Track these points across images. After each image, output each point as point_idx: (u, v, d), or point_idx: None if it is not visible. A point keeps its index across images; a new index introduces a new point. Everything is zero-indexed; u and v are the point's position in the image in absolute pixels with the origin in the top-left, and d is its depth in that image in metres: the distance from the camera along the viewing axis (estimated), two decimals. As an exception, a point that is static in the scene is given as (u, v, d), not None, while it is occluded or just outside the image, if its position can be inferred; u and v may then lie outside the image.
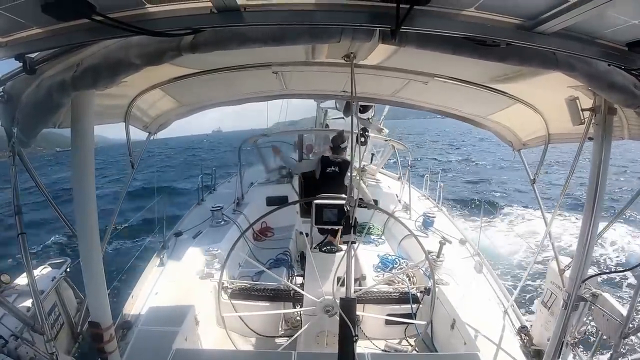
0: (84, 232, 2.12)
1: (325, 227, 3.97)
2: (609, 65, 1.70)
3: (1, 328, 2.23)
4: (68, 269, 3.29)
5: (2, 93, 1.98)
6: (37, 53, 1.64)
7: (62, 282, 3.19)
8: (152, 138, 3.80)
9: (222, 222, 6.05)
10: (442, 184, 8.09)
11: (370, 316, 4.29)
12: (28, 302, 2.62)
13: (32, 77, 1.78)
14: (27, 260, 2.17)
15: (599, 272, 2.72)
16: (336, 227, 4.06)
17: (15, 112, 1.98)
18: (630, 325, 2.38)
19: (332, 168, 5.55)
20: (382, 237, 6.76)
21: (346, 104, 6.66)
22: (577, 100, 2.38)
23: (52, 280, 3.07)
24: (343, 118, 8.38)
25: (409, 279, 4.71)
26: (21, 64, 1.59)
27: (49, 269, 3.23)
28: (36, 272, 3.01)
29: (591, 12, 1.28)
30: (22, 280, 2.90)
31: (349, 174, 5.41)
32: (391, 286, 4.57)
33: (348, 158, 5.56)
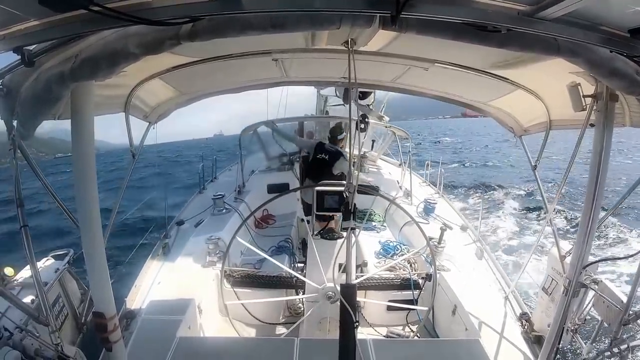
0: (86, 223, 2.12)
1: (322, 214, 3.99)
2: (611, 51, 1.68)
3: (6, 320, 2.25)
4: (71, 260, 3.30)
5: (1, 86, 1.97)
6: (35, 45, 1.62)
7: (66, 273, 3.21)
8: (152, 128, 3.78)
9: (224, 211, 6.06)
10: (442, 170, 8.08)
11: (372, 302, 4.32)
12: (32, 294, 2.65)
13: (31, 70, 1.76)
14: (30, 253, 2.18)
15: (600, 259, 2.72)
16: (331, 214, 4.09)
17: (15, 105, 1.98)
18: (631, 312, 2.39)
19: (322, 155, 5.58)
20: (384, 223, 6.78)
21: (345, 90, 6.65)
22: (579, 87, 2.36)
23: (56, 271, 3.10)
24: (343, 105, 8.35)
25: (410, 265, 4.74)
26: (19, 56, 1.58)
27: (52, 260, 3.25)
28: (39, 264, 3.02)
29: None
30: (25, 272, 2.92)
31: (338, 164, 5.46)
32: (392, 272, 4.59)
33: (342, 150, 5.62)
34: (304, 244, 5.95)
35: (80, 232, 2.14)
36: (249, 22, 1.52)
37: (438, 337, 4.20)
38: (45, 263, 3.19)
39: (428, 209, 6.14)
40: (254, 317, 4.38)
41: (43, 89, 1.77)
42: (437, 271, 4.06)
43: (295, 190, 6.51)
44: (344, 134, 5.72)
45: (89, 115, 2.02)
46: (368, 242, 5.76)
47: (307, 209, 5.76)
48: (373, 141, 9.37)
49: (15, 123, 2.08)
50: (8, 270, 2.82)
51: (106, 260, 2.24)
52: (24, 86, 1.90)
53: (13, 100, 1.97)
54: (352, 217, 2.84)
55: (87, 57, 1.64)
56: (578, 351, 2.98)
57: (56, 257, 3.29)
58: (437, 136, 72.81)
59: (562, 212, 13.16)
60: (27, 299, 2.59)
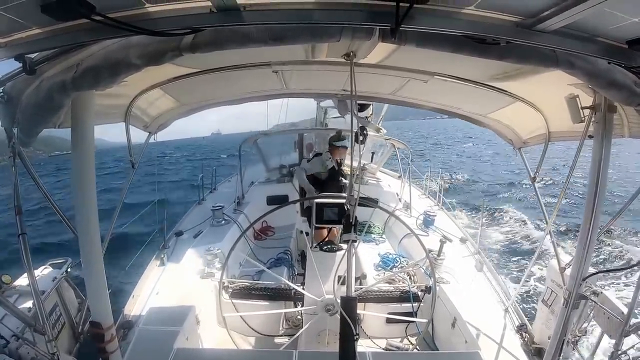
0: (84, 232, 2.12)
1: (321, 226, 3.99)
2: (609, 63, 1.69)
3: (2, 328, 2.24)
4: (69, 269, 3.29)
5: (2, 93, 1.98)
6: (37, 53, 1.63)
7: (63, 282, 3.19)
8: (152, 138, 3.79)
9: (223, 222, 6.05)
10: (442, 183, 8.08)
11: (371, 315, 4.29)
12: (29, 303, 2.63)
13: (32, 78, 1.78)
14: (28, 261, 2.17)
15: (600, 270, 2.71)
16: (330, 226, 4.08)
17: (16, 113, 1.98)
18: (631, 324, 2.38)
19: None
20: (383, 235, 6.76)
21: (341, 102, 6.68)
22: (577, 98, 2.38)
23: (53, 280, 3.08)
24: (343, 117, 8.39)
25: (410, 278, 4.72)
26: (21, 64, 1.59)
27: (50, 269, 3.24)
28: (37, 273, 3.01)
29: (591, 9, 1.28)
30: (23, 280, 2.91)
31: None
32: (392, 285, 4.57)
33: (319, 157, 5.78)
34: (303, 256, 5.94)
35: (78, 241, 2.13)
36: (249, 35, 1.54)
37: (437, 349, 4.16)
38: (43, 271, 3.17)
39: (427, 221, 6.13)
40: (252, 329, 4.35)
41: (44, 97, 1.78)
42: (437, 283, 4.04)
43: (294, 202, 6.51)
44: (343, 141, 5.75)
45: (89, 124, 2.03)
46: (367, 254, 5.74)
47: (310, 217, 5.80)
48: (373, 153, 9.38)
49: (15, 130, 2.09)
50: (5, 278, 2.80)
51: (104, 270, 2.24)
52: (25, 94, 1.91)
53: (14, 107, 1.97)
54: (352, 230, 2.84)
55: (89, 66, 1.65)
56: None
57: (54, 266, 3.27)
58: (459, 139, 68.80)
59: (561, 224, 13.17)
60: (24, 307, 2.57)
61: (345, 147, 5.73)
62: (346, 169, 6.27)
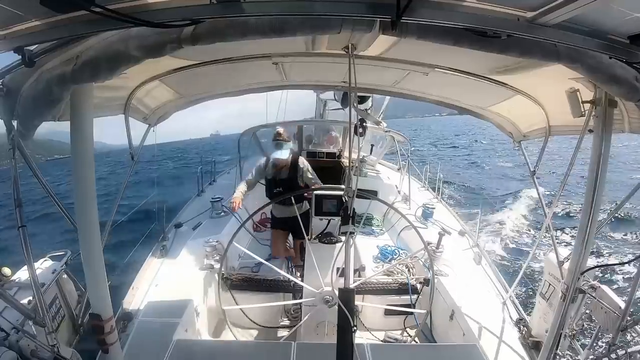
0: (84, 225, 2.12)
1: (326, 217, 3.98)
2: (610, 58, 1.69)
3: (2, 321, 2.24)
4: (69, 262, 3.30)
5: (1, 86, 1.97)
6: (36, 46, 1.62)
7: (63, 274, 3.19)
8: (152, 130, 3.79)
9: (222, 214, 6.06)
10: (441, 175, 8.09)
11: (370, 307, 4.31)
12: (29, 295, 2.64)
13: (31, 70, 1.76)
14: (28, 253, 2.17)
15: (598, 265, 2.72)
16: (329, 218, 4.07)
17: (15, 105, 1.97)
18: (628, 318, 2.39)
19: (279, 189, 5.23)
20: (382, 228, 6.77)
21: (343, 95, 6.61)
22: (578, 93, 2.37)
23: (53, 272, 3.08)
24: (342, 109, 8.36)
25: (408, 270, 4.73)
26: (20, 56, 1.58)
27: (50, 261, 3.24)
28: (37, 265, 3.01)
29: (593, 4, 1.27)
30: (23, 273, 2.91)
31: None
32: (390, 277, 4.59)
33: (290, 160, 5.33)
34: (302, 248, 5.96)
35: (78, 234, 2.14)
36: (249, 26, 1.53)
37: (435, 342, 4.19)
38: (43, 264, 3.18)
39: (426, 214, 6.14)
40: (251, 320, 4.37)
41: (43, 90, 1.77)
42: (435, 276, 4.05)
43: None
44: (275, 152, 5.39)
45: (88, 117, 2.02)
46: (366, 246, 5.75)
47: (275, 223, 5.70)
48: (372, 145, 9.37)
49: (15, 123, 2.08)
50: (5, 270, 2.80)
51: (103, 262, 2.24)
52: (24, 86, 1.90)
53: (13, 100, 1.96)
54: (351, 222, 2.84)
55: (88, 58, 1.64)
56: (576, 357, 2.98)
57: (53, 258, 3.27)
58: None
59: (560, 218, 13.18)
60: (24, 300, 2.58)
61: (278, 158, 5.28)
62: (345, 161, 6.25)
